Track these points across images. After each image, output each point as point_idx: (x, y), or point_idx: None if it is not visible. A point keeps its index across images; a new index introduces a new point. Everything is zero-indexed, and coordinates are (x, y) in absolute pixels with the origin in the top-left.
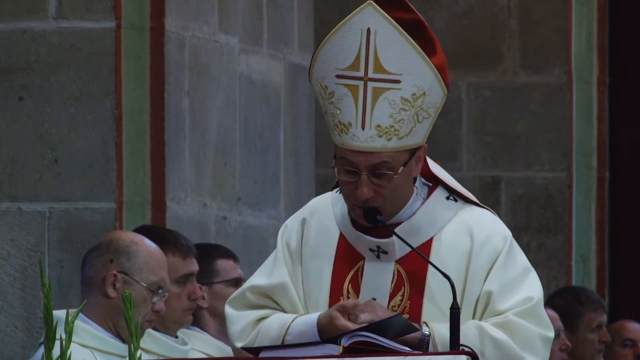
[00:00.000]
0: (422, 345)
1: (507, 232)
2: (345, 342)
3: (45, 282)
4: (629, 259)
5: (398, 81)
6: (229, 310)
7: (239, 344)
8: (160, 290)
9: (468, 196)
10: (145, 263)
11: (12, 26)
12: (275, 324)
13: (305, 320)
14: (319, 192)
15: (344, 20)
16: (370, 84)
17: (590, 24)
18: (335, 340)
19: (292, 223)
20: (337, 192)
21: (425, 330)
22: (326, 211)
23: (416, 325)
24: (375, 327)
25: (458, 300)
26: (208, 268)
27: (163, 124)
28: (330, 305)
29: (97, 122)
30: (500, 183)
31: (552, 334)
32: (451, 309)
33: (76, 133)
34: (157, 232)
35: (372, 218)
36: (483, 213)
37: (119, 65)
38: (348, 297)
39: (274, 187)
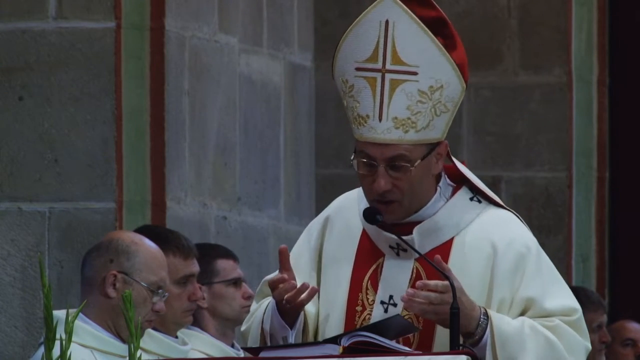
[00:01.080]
0: (474, 333)
1: (532, 236)
2: (345, 342)
3: (45, 282)
4: (629, 259)
5: (415, 73)
6: (252, 304)
7: (242, 329)
8: (160, 290)
9: (493, 197)
10: (145, 263)
11: (12, 26)
12: (261, 308)
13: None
14: (319, 192)
15: (363, 13)
16: (388, 76)
17: (590, 24)
18: (335, 340)
19: (315, 221)
20: None
21: (483, 318)
22: (351, 207)
23: (417, 325)
24: (375, 327)
25: (483, 302)
26: (208, 268)
27: (163, 124)
28: (349, 302)
29: (97, 122)
30: (500, 183)
31: (590, 347)
32: (451, 309)
33: (76, 133)
34: (158, 233)
35: (372, 218)
36: (507, 215)
37: (119, 65)
38: (367, 294)
39: (274, 187)
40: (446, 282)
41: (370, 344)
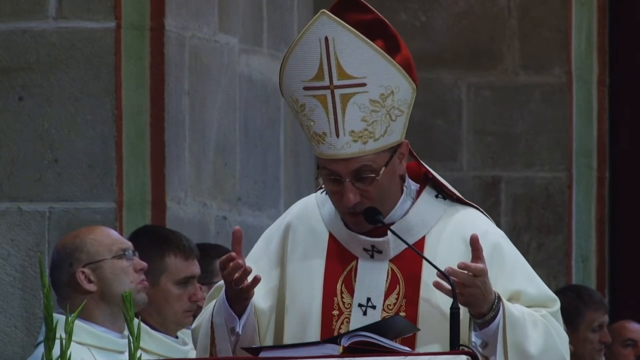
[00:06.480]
0: (486, 315)
1: (499, 230)
2: (345, 342)
3: (45, 282)
4: (629, 259)
5: (364, 84)
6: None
7: (192, 326)
8: (126, 253)
9: (456, 194)
10: (96, 243)
11: (12, 26)
12: (212, 303)
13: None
14: None
15: (301, 33)
16: (337, 91)
17: (590, 24)
18: (335, 340)
19: (274, 227)
20: (322, 192)
21: (496, 302)
22: (313, 213)
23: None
24: (375, 327)
25: None
26: (208, 268)
27: (163, 124)
28: (324, 307)
29: (97, 122)
30: (500, 183)
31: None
32: (451, 309)
33: (76, 133)
34: (160, 233)
35: (372, 218)
36: (472, 211)
37: (119, 65)
38: (342, 297)
39: (274, 187)
40: (481, 266)
41: (370, 344)
